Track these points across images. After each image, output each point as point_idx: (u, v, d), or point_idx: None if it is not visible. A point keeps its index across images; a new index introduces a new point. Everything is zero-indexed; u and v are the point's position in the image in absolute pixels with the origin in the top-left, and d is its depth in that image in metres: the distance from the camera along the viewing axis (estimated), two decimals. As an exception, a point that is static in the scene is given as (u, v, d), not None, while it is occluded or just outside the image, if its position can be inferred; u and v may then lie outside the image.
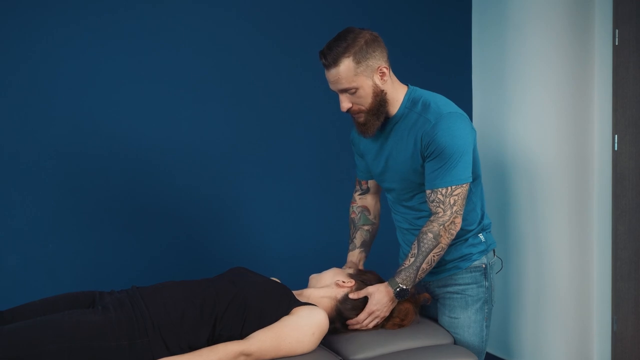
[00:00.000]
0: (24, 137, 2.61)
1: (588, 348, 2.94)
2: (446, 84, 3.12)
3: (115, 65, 2.72)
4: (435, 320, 2.31)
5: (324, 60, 2.03)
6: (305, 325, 1.96)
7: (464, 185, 2.05)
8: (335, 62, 2.01)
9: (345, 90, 2.05)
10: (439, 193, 2.05)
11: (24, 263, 2.62)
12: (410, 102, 2.12)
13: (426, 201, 2.12)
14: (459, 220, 2.07)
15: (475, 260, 2.21)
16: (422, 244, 2.05)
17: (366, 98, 2.06)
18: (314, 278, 2.24)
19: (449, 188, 2.04)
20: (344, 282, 2.16)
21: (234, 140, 2.96)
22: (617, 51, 2.77)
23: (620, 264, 2.81)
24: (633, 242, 2.74)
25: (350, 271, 2.24)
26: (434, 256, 2.06)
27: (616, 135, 2.79)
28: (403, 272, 2.07)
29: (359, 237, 2.39)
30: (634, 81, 2.70)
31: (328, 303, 2.13)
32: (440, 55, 3.32)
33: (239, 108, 2.96)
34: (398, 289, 2.07)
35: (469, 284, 2.21)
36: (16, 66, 2.58)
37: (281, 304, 1.99)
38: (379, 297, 2.09)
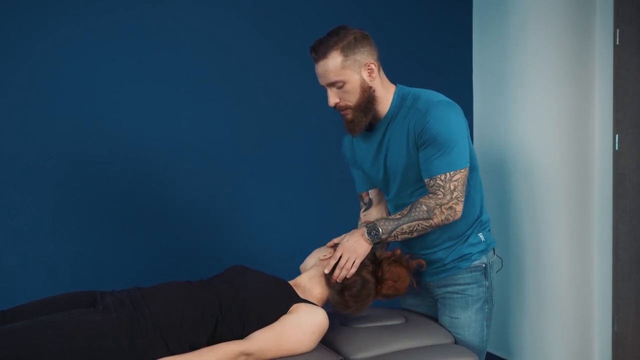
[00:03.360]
0: (24, 137, 2.61)
1: (588, 348, 2.93)
2: (447, 84, 3.11)
3: (115, 65, 2.73)
4: (435, 319, 2.30)
5: (313, 54, 2.07)
6: (305, 324, 1.96)
7: (463, 171, 2.05)
8: (324, 55, 2.04)
9: (332, 84, 2.07)
10: (438, 179, 2.04)
11: (24, 263, 2.62)
12: (399, 100, 2.14)
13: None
14: (459, 208, 2.06)
15: (475, 260, 2.21)
16: (413, 210, 2.05)
17: (353, 93, 2.07)
18: (301, 267, 2.25)
19: (448, 174, 2.03)
20: (325, 255, 2.15)
21: (234, 140, 2.96)
22: (617, 51, 2.77)
23: (621, 264, 2.80)
24: (634, 243, 2.74)
25: (332, 243, 2.22)
26: (418, 226, 2.05)
27: (617, 135, 2.79)
28: (384, 220, 2.07)
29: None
30: (635, 81, 2.70)
31: (321, 282, 2.12)
32: (441, 55, 3.32)
33: (239, 108, 2.96)
34: (371, 225, 2.06)
35: (469, 283, 2.21)
36: (16, 66, 2.59)
37: (281, 302, 1.99)
38: (348, 236, 2.09)
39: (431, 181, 2.05)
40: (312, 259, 2.21)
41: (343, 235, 2.13)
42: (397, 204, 2.25)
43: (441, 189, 2.04)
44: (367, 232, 2.06)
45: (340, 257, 2.08)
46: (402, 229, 2.05)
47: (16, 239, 2.61)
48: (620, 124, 2.78)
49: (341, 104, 2.09)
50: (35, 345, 1.71)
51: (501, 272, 2.86)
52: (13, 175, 2.60)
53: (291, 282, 2.13)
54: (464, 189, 2.07)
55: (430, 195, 2.06)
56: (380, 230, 2.05)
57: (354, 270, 2.07)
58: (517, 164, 2.99)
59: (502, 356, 3.13)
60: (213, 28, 2.89)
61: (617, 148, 2.79)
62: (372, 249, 2.11)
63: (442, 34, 3.33)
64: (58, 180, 2.67)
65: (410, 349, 2.08)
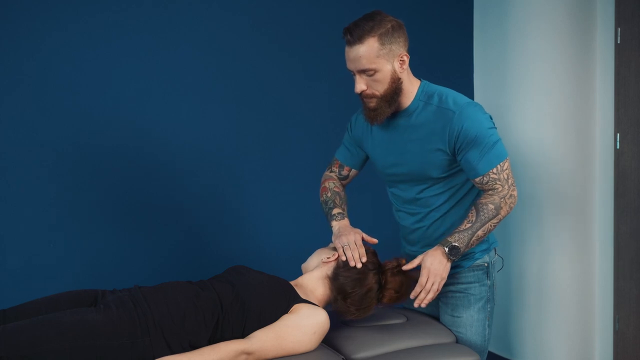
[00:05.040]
0: (24, 136, 2.61)
1: (590, 347, 2.93)
2: (448, 84, 3.10)
3: (119, 65, 2.73)
4: (437, 318, 2.30)
5: (348, 37, 2.01)
6: (306, 325, 1.95)
7: (508, 159, 2.07)
8: (360, 40, 1.99)
9: (363, 71, 2.03)
10: (491, 174, 2.04)
11: (26, 262, 2.62)
12: (424, 95, 2.12)
13: (459, 189, 2.16)
14: (516, 194, 2.08)
15: (477, 259, 2.21)
16: (481, 213, 2.04)
17: (383, 83, 2.04)
18: (303, 267, 2.24)
19: (498, 166, 2.04)
20: (328, 257, 2.14)
21: (237, 140, 2.96)
22: (619, 50, 2.76)
23: (622, 263, 2.80)
24: (635, 241, 2.74)
25: (332, 246, 2.21)
26: (490, 225, 2.05)
27: (618, 134, 2.79)
28: (457, 234, 2.04)
29: (345, 208, 2.34)
30: (636, 80, 2.70)
31: (322, 285, 2.12)
32: (442, 56, 3.32)
33: (242, 109, 2.97)
34: (450, 246, 2.02)
35: (471, 282, 2.21)
36: (17, 67, 2.58)
37: (281, 301, 1.99)
38: (430, 259, 2.04)
39: (484, 178, 2.05)
40: (314, 260, 2.20)
41: (421, 256, 2.07)
42: (405, 199, 2.24)
43: (498, 182, 2.04)
44: (448, 252, 2.03)
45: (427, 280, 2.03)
46: (478, 235, 2.05)
47: (17, 238, 2.61)
48: (621, 123, 2.78)
49: (368, 91, 2.06)
50: (36, 344, 1.71)
51: (503, 271, 2.86)
52: (14, 174, 2.60)
53: (292, 282, 2.13)
54: (513, 175, 2.09)
55: (490, 192, 2.06)
56: (459, 245, 2.03)
57: (437, 293, 2.04)
58: (518, 163, 2.99)
59: (504, 355, 3.13)
60: (219, 30, 2.89)
61: (618, 147, 2.79)
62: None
63: (443, 34, 3.33)
64: (59, 180, 2.67)
65: (412, 348, 2.08)
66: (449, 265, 2.05)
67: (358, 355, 2.03)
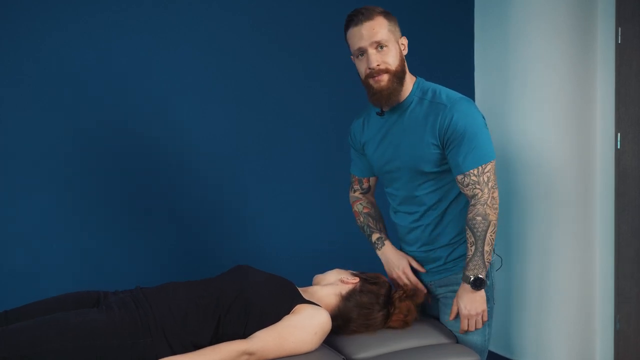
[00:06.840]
0: (27, 136, 2.60)
1: (590, 346, 2.93)
2: (448, 85, 3.10)
3: (119, 65, 2.72)
4: (437, 319, 2.30)
5: (360, 16, 2.08)
6: (308, 325, 1.96)
7: (492, 162, 2.09)
8: (370, 17, 2.08)
9: (377, 43, 2.07)
10: (472, 175, 2.06)
11: (28, 263, 2.62)
12: (420, 91, 2.16)
13: (447, 189, 2.17)
14: (497, 195, 2.11)
15: (477, 258, 2.21)
16: (475, 230, 2.07)
17: (394, 58, 2.10)
18: (317, 277, 2.26)
19: (479, 167, 2.06)
20: (348, 279, 2.17)
21: (238, 140, 2.96)
22: (619, 49, 2.76)
23: (622, 262, 2.80)
24: (636, 241, 2.74)
25: (353, 272, 2.25)
26: (491, 235, 2.08)
27: (619, 134, 2.78)
28: (470, 264, 2.08)
29: (381, 227, 2.38)
30: (637, 79, 2.69)
31: (333, 300, 2.13)
32: (442, 56, 3.31)
33: (243, 108, 2.96)
34: (472, 279, 2.07)
35: (471, 282, 2.21)
36: (17, 67, 2.58)
37: (284, 302, 1.99)
38: (463, 303, 2.12)
39: (465, 178, 2.07)
40: (332, 276, 2.23)
41: (455, 303, 2.16)
42: (400, 198, 2.24)
43: (477, 185, 2.06)
44: (473, 285, 2.08)
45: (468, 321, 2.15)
46: (486, 251, 2.08)
47: (20, 239, 2.60)
48: (622, 122, 2.77)
49: (382, 66, 2.08)
50: (37, 344, 1.72)
51: (503, 270, 2.86)
52: (14, 174, 2.60)
53: (302, 289, 2.14)
54: (495, 177, 2.11)
55: (472, 202, 2.08)
56: (479, 273, 2.08)
57: (484, 323, 2.17)
58: (518, 162, 2.98)
59: (504, 355, 3.13)
60: (219, 30, 2.88)
61: (619, 146, 2.79)
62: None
63: (443, 34, 3.32)
64: (59, 180, 2.66)
65: (412, 348, 2.08)
66: (481, 293, 2.11)
67: (359, 356, 2.04)
